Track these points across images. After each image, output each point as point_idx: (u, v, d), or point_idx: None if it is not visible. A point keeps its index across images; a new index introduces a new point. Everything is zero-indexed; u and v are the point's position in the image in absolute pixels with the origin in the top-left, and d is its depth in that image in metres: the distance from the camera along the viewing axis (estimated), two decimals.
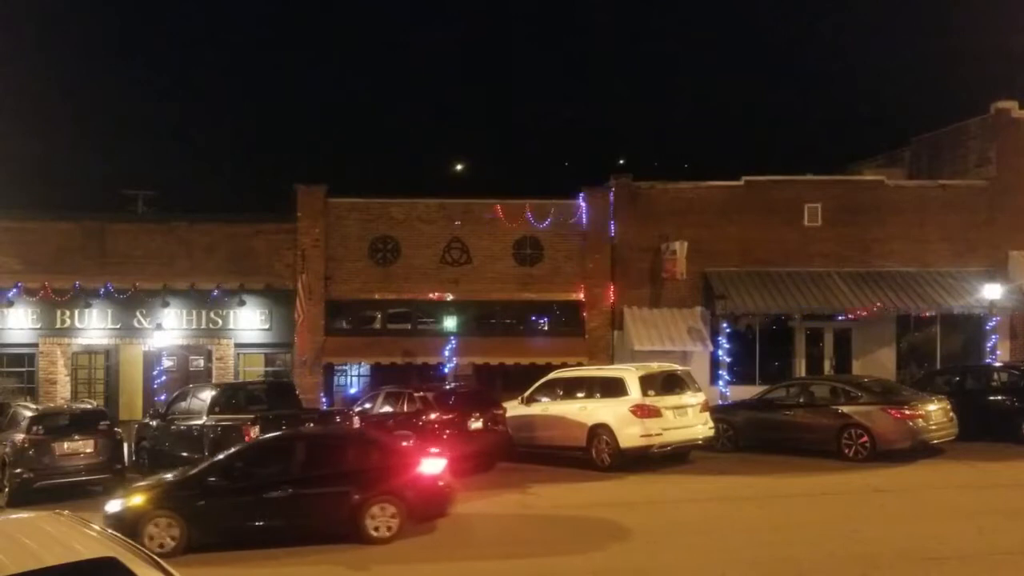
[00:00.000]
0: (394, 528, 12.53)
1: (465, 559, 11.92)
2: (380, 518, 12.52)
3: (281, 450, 13.53)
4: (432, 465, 13.13)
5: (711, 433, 18.66)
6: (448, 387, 20.46)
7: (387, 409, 19.03)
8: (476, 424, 18.13)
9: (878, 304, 23.68)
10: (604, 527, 13.15)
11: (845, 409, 18.27)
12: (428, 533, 12.90)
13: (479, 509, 14.72)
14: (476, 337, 24.93)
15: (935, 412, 18.09)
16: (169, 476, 13.77)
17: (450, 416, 17.96)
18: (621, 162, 38.80)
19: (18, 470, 16.95)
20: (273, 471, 12.93)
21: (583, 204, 25.41)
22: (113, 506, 12.72)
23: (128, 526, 11.62)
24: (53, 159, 37.96)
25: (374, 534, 12.46)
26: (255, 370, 25.56)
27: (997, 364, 22.76)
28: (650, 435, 17.54)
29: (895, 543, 11.61)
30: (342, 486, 12.64)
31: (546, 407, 19.29)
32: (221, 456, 13.57)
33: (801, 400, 19.45)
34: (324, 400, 24.50)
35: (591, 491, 16.17)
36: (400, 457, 13.38)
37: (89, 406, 20.59)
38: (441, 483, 13.13)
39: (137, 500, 12.63)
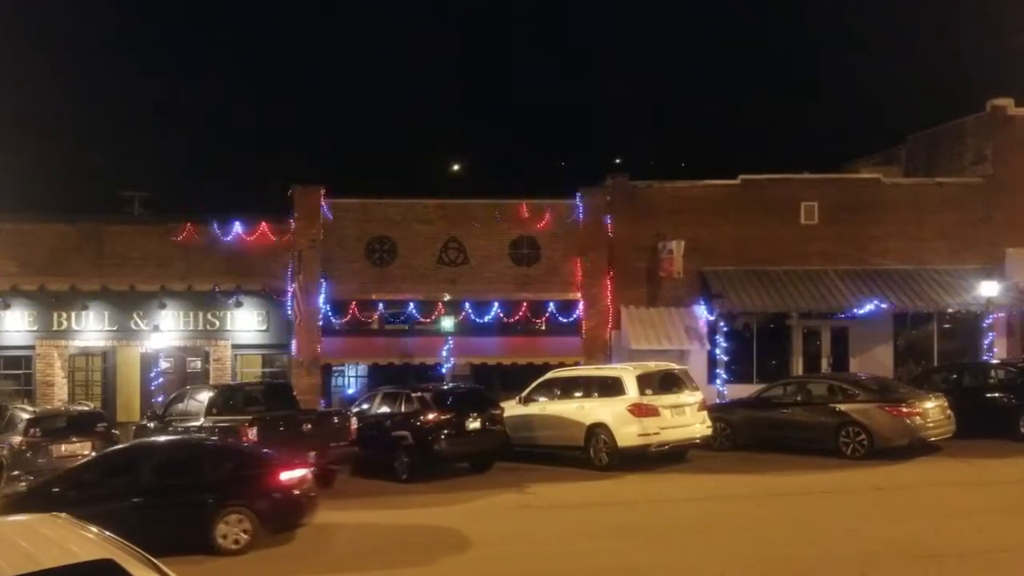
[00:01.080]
0: (246, 539, 12.24)
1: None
2: (231, 528, 12.25)
3: (132, 461, 13.23)
4: (289, 474, 12.89)
5: (709, 432, 18.66)
6: (446, 387, 20.44)
7: (385, 409, 19.01)
8: (474, 424, 18.10)
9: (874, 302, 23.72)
10: (599, 527, 13.14)
11: (843, 407, 18.28)
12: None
13: (463, 514, 14.69)
14: (473, 337, 24.91)
15: (933, 410, 18.11)
16: (24, 486, 13.51)
17: (448, 416, 17.94)
18: (618, 161, 38.82)
19: (15, 472, 16.93)
20: (122, 482, 12.65)
21: (580, 204, 25.38)
22: None
23: None
24: (52, 159, 37.86)
25: (224, 545, 12.17)
26: (253, 371, 25.52)
27: (994, 361, 22.75)
28: (648, 434, 17.55)
29: (894, 541, 11.62)
30: (193, 496, 12.42)
31: (544, 407, 19.30)
32: (71, 467, 13.33)
33: (799, 398, 19.46)
34: (323, 401, 24.49)
35: (589, 490, 16.16)
36: (255, 467, 13.09)
37: (86, 408, 20.64)
38: (298, 492, 12.81)
39: None
